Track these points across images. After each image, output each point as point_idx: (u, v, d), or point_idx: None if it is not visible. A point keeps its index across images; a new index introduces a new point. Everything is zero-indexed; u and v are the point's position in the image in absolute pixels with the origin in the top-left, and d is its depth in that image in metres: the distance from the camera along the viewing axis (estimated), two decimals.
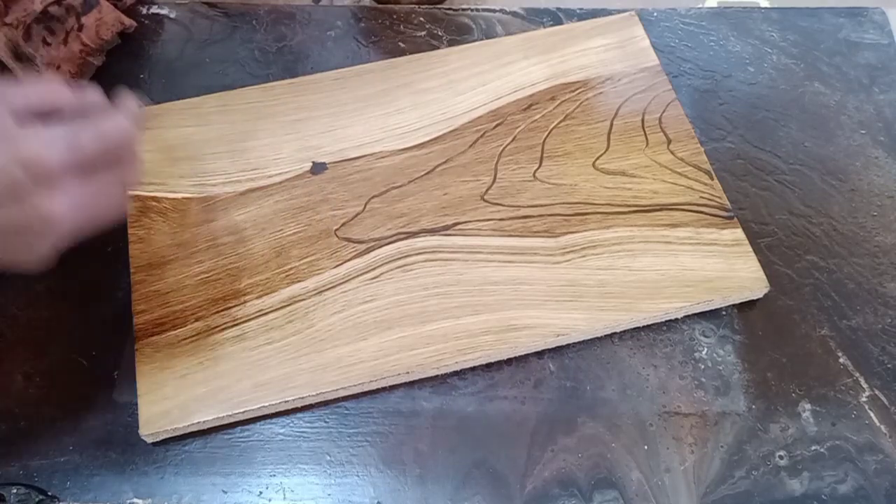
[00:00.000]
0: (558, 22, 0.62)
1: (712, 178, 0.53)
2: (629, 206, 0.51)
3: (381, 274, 0.49)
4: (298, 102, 0.56)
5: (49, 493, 0.44)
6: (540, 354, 0.48)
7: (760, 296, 0.50)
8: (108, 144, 0.37)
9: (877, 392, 0.48)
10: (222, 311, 0.48)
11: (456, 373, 0.48)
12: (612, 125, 0.55)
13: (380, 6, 0.63)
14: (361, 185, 0.52)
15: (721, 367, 0.48)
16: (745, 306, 0.50)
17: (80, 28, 0.57)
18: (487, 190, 0.52)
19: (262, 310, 0.48)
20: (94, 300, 0.50)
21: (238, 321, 0.47)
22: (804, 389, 0.48)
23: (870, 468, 0.45)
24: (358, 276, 0.49)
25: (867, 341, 0.49)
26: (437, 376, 0.47)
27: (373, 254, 0.50)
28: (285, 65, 0.60)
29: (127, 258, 0.49)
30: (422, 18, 0.63)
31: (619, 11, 0.61)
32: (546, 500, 0.44)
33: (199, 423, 0.45)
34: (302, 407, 0.46)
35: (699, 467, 0.45)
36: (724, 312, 0.50)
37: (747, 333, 0.49)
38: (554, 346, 0.48)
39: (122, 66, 0.60)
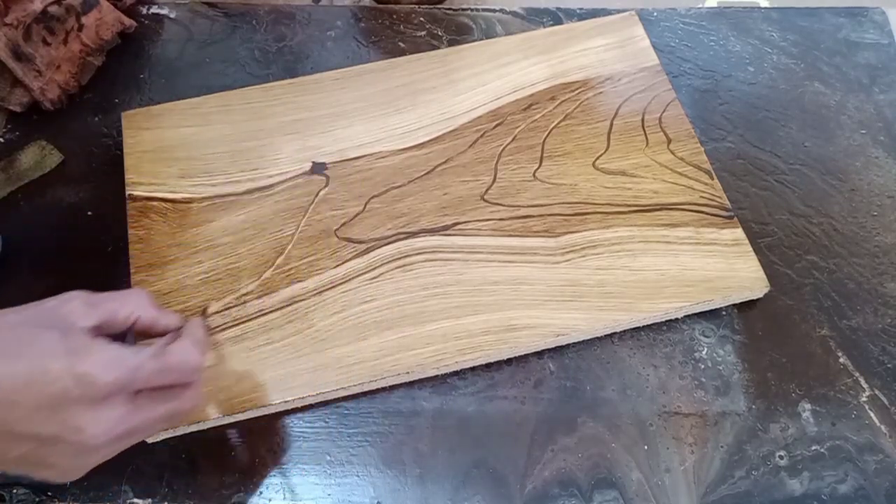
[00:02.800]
0: (558, 22, 0.62)
1: (712, 178, 0.53)
2: (629, 205, 0.51)
3: (381, 274, 0.49)
4: (298, 102, 0.56)
5: (49, 493, 0.44)
6: (540, 354, 0.48)
7: (760, 296, 0.50)
8: (169, 378, 0.36)
9: (877, 392, 0.48)
10: (222, 311, 0.48)
11: (456, 373, 0.48)
12: (612, 125, 0.55)
13: (380, 6, 0.63)
14: (361, 185, 0.52)
15: (721, 367, 0.48)
16: (745, 306, 0.50)
17: (80, 28, 0.57)
18: (487, 190, 0.52)
19: (262, 310, 0.48)
20: None
21: (238, 321, 0.47)
22: (804, 389, 0.48)
23: (870, 468, 0.45)
24: (358, 276, 0.49)
25: (867, 341, 0.49)
26: (437, 376, 0.47)
27: (373, 254, 0.50)
28: (285, 65, 0.60)
29: (127, 258, 0.49)
30: (422, 18, 0.63)
31: (619, 11, 0.61)
32: (546, 500, 0.44)
33: (199, 422, 0.45)
34: (302, 407, 0.46)
35: (699, 467, 0.45)
36: (724, 312, 0.50)
37: (747, 333, 0.49)
38: (554, 346, 0.48)
39: (122, 66, 0.60)
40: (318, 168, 0.53)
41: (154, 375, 0.35)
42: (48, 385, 0.32)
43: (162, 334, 0.40)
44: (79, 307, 0.36)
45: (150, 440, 0.45)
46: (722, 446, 0.46)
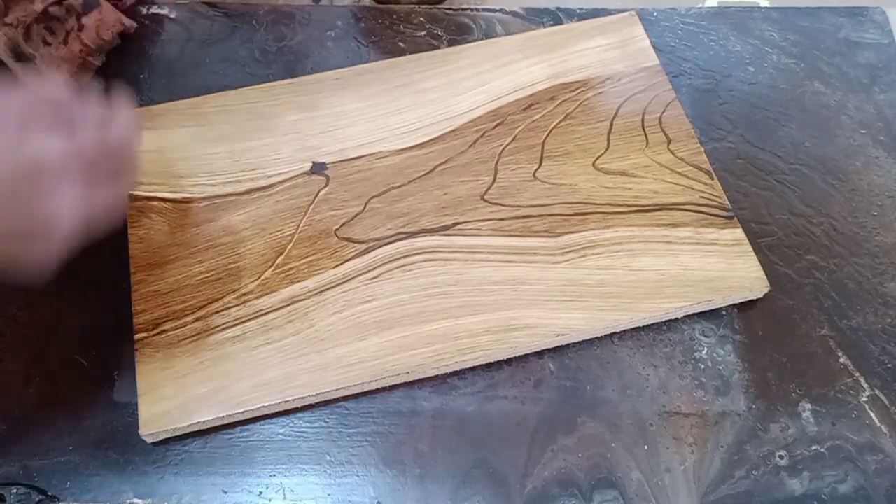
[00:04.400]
0: (558, 22, 0.62)
1: (712, 178, 0.53)
2: (629, 205, 0.51)
3: (381, 274, 0.49)
4: (298, 102, 0.56)
5: (49, 493, 0.44)
6: (540, 354, 0.48)
7: (760, 296, 0.50)
8: (107, 148, 0.38)
9: (877, 392, 0.48)
10: (222, 311, 0.48)
11: (456, 373, 0.48)
12: (612, 125, 0.55)
13: (380, 6, 0.63)
14: (361, 185, 0.52)
15: (721, 367, 0.48)
16: (745, 306, 0.50)
17: (81, 28, 0.57)
18: (487, 190, 0.52)
19: (262, 310, 0.48)
20: (94, 300, 0.50)
21: (238, 321, 0.47)
22: (804, 389, 0.48)
23: (870, 468, 0.45)
24: (358, 276, 0.49)
25: (867, 341, 0.49)
26: (437, 376, 0.47)
27: (373, 254, 0.50)
28: (285, 65, 0.60)
29: (127, 258, 0.49)
30: (422, 18, 0.63)
31: (619, 11, 0.61)
32: (546, 500, 0.44)
33: (199, 423, 0.45)
34: (302, 407, 0.46)
35: (699, 467, 0.45)
36: (724, 312, 0.50)
37: (747, 333, 0.49)
38: (554, 346, 0.48)
39: (122, 66, 0.60)
40: (318, 168, 0.53)
41: (93, 147, 0.37)
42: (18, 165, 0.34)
43: None
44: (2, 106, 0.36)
45: (150, 440, 0.45)
46: (722, 446, 0.46)
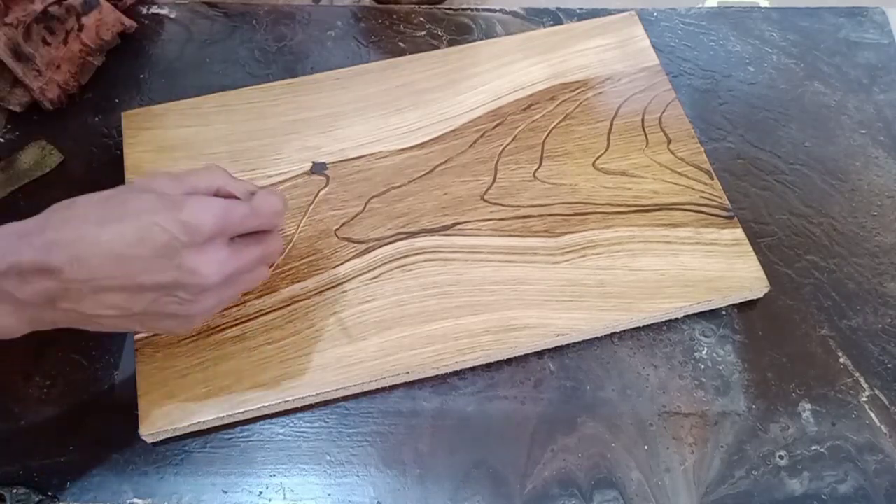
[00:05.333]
0: (558, 22, 0.62)
1: (712, 178, 0.53)
2: (629, 205, 0.51)
3: (381, 274, 0.49)
4: (298, 102, 0.56)
5: (49, 493, 0.44)
6: (540, 354, 0.48)
7: (760, 296, 0.50)
8: (257, 220, 0.40)
9: (877, 392, 0.48)
10: (222, 311, 0.48)
11: (456, 373, 0.48)
12: (612, 125, 0.55)
13: (380, 6, 0.63)
14: (361, 185, 0.52)
15: (721, 367, 0.48)
16: (745, 306, 0.50)
17: (81, 28, 0.57)
18: (487, 190, 0.52)
19: (262, 310, 0.48)
20: None
21: (238, 321, 0.47)
22: (804, 389, 0.48)
23: (870, 468, 0.45)
24: (358, 276, 0.49)
25: (867, 341, 0.49)
26: (437, 376, 0.47)
27: (373, 254, 0.50)
28: (285, 65, 0.60)
29: None
30: (422, 18, 0.63)
31: (619, 11, 0.61)
32: (546, 500, 0.44)
33: (199, 423, 0.45)
34: (302, 407, 0.46)
35: (699, 467, 0.45)
36: (724, 312, 0.50)
37: (747, 333, 0.49)
38: (554, 346, 0.48)
39: (122, 66, 0.60)
40: (318, 168, 0.53)
41: (244, 218, 0.39)
42: (158, 236, 0.36)
43: None
44: (164, 180, 0.39)
45: (150, 440, 0.45)
46: (722, 446, 0.46)
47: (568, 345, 0.48)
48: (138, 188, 0.39)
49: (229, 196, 0.40)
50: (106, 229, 0.36)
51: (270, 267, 0.47)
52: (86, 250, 0.36)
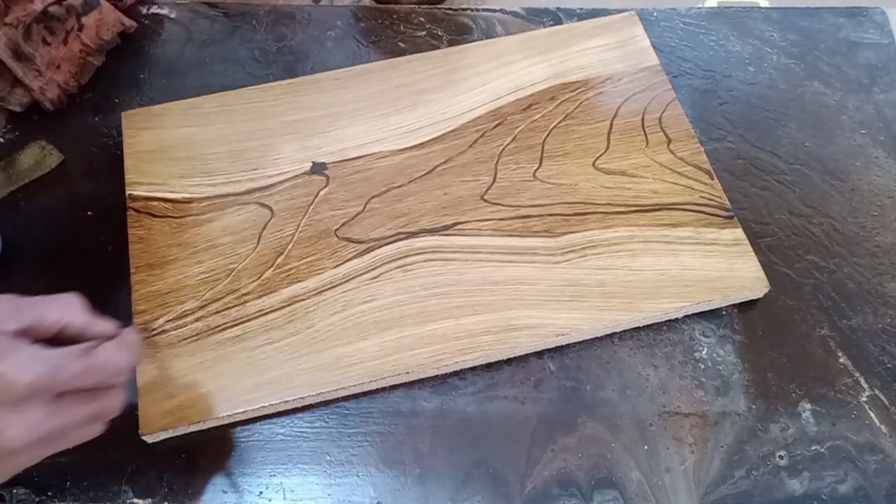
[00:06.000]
0: (558, 22, 0.62)
1: (712, 178, 0.53)
2: (629, 205, 0.51)
3: (381, 274, 0.49)
4: (298, 102, 0.56)
5: (49, 493, 0.44)
6: (540, 354, 0.48)
7: (760, 296, 0.50)
8: (93, 378, 0.36)
9: (877, 392, 0.48)
10: (222, 311, 0.48)
11: (456, 373, 0.48)
12: (612, 125, 0.55)
13: (380, 6, 0.63)
14: (361, 185, 0.52)
15: (721, 367, 0.48)
16: (745, 306, 0.50)
17: (81, 28, 0.57)
18: (487, 190, 0.52)
19: (262, 310, 0.48)
20: (94, 300, 0.50)
21: (238, 321, 0.47)
22: (804, 389, 0.48)
23: (870, 468, 0.45)
24: (358, 276, 0.49)
25: (867, 341, 0.49)
26: (437, 376, 0.47)
27: (373, 254, 0.50)
28: (285, 65, 0.60)
29: (127, 258, 0.49)
30: (422, 18, 0.63)
31: (619, 11, 0.61)
32: (546, 500, 0.44)
33: (199, 422, 0.45)
34: (302, 407, 0.46)
35: (699, 467, 0.45)
36: (724, 312, 0.50)
37: (747, 333, 0.49)
38: (554, 346, 0.48)
39: (122, 66, 0.60)
40: (318, 168, 0.53)
41: (77, 376, 0.35)
42: None
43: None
44: (3, 310, 0.35)
45: (149, 440, 0.45)
46: (722, 446, 0.46)
47: (568, 345, 0.48)
48: None
49: (76, 338, 0.37)
50: None
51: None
52: None
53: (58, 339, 0.37)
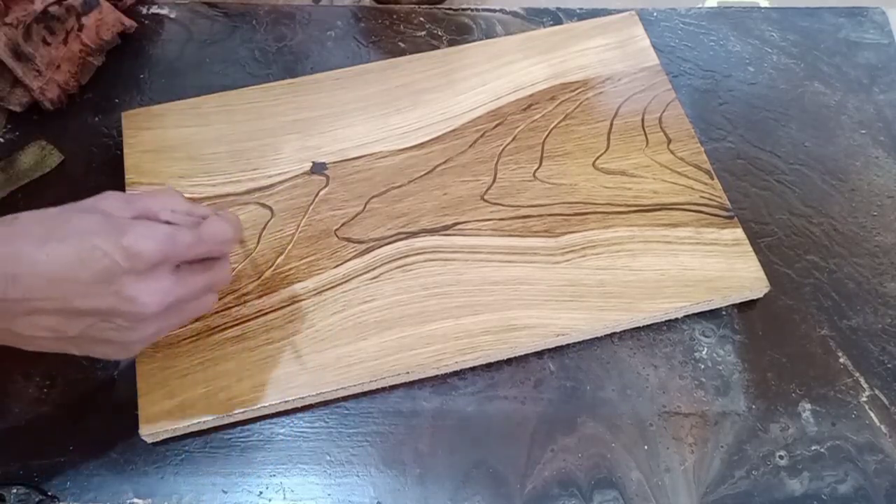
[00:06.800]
0: (558, 22, 0.62)
1: (712, 178, 0.53)
2: (629, 205, 0.51)
3: (381, 274, 0.49)
4: (298, 102, 0.56)
5: (49, 493, 0.44)
6: (540, 354, 0.48)
7: (760, 296, 0.50)
8: (204, 247, 0.39)
9: (877, 392, 0.48)
10: (222, 311, 0.48)
11: (456, 373, 0.48)
12: (612, 125, 0.55)
13: (380, 6, 0.63)
14: (361, 185, 0.52)
15: (721, 367, 0.48)
16: (745, 306, 0.50)
17: (81, 28, 0.57)
18: (487, 190, 0.52)
19: (262, 310, 0.48)
20: None
21: (238, 321, 0.47)
22: (804, 389, 0.48)
23: (870, 468, 0.45)
24: (358, 276, 0.49)
25: (867, 341, 0.49)
26: (437, 376, 0.47)
27: (373, 254, 0.50)
28: (285, 65, 0.60)
29: None
30: (422, 18, 0.63)
31: (619, 11, 0.61)
32: (546, 500, 0.44)
33: (199, 423, 0.45)
34: (302, 407, 0.46)
35: (699, 467, 0.45)
36: (724, 312, 0.50)
37: (747, 333, 0.49)
38: (554, 346, 0.48)
39: (122, 66, 0.60)
40: (318, 168, 0.53)
41: (190, 246, 0.38)
42: (98, 260, 0.35)
43: None
44: (115, 201, 0.38)
45: (150, 440, 0.45)
46: (722, 446, 0.46)
47: (568, 345, 0.48)
48: (85, 208, 0.38)
49: (186, 217, 0.39)
50: (45, 248, 0.35)
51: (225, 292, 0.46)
52: (22, 269, 0.34)
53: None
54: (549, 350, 0.48)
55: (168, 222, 0.39)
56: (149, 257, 0.36)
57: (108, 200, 0.38)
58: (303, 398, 0.45)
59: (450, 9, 0.63)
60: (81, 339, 0.37)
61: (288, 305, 0.48)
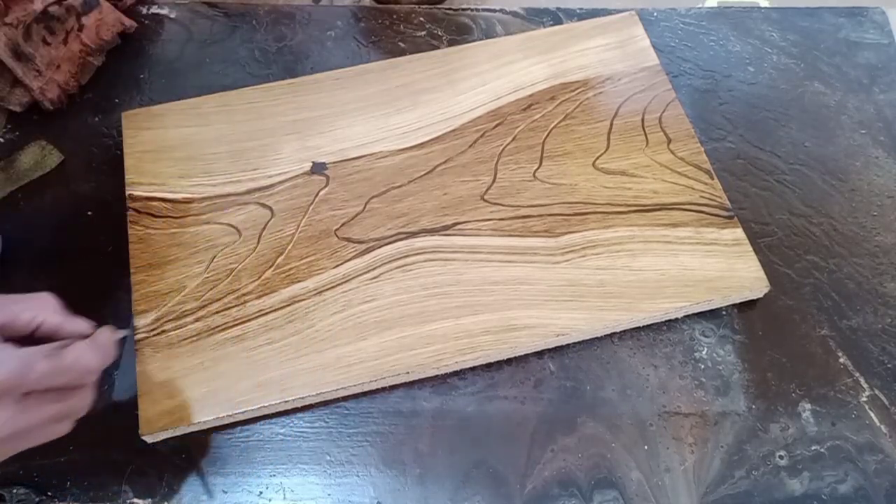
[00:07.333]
0: (558, 22, 0.62)
1: (712, 178, 0.53)
2: (629, 205, 0.51)
3: (381, 274, 0.49)
4: (298, 102, 0.56)
5: (49, 493, 0.44)
6: (540, 354, 0.48)
7: (760, 296, 0.50)
8: (62, 378, 0.36)
9: (877, 392, 0.48)
10: (222, 311, 0.48)
11: (456, 373, 0.48)
12: (612, 125, 0.55)
13: (380, 6, 0.63)
14: (361, 185, 0.52)
15: (721, 367, 0.48)
16: (745, 306, 0.50)
17: (81, 28, 0.57)
18: (487, 190, 0.52)
19: (262, 310, 0.48)
20: (94, 300, 0.50)
21: (238, 321, 0.47)
22: (804, 389, 0.48)
23: (870, 468, 0.45)
24: (358, 276, 0.49)
25: (867, 341, 0.49)
26: (437, 376, 0.47)
27: (373, 254, 0.50)
28: (285, 65, 0.60)
29: (127, 258, 0.49)
30: (422, 18, 0.63)
31: (619, 11, 0.61)
32: (546, 500, 0.44)
33: (199, 423, 0.45)
34: (302, 407, 0.46)
35: (699, 467, 0.45)
36: (724, 312, 0.50)
37: (747, 333, 0.49)
38: (554, 346, 0.48)
39: (122, 66, 0.60)
40: (318, 168, 0.53)
41: (45, 376, 0.35)
42: None
43: None
44: None
45: (149, 440, 0.45)
46: (722, 446, 0.46)
47: (568, 345, 0.48)
48: None
49: (50, 337, 0.37)
50: None
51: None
52: None
53: (31, 339, 0.37)
54: (549, 350, 0.48)
55: (31, 338, 0.36)
56: None
57: None
58: (303, 398, 0.45)
59: (450, 9, 0.63)
60: None
61: (288, 305, 0.48)
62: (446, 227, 0.51)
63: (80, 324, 0.39)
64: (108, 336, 0.39)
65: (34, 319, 0.37)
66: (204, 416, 0.44)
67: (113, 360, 0.39)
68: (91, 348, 0.37)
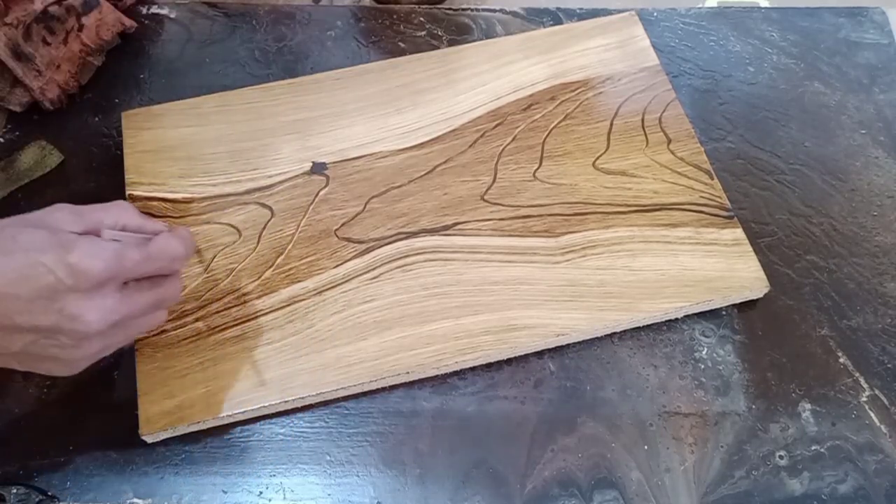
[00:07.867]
0: (558, 22, 0.62)
1: (712, 178, 0.53)
2: (629, 205, 0.51)
3: (381, 274, 0.49)
4: (298, 102, 0.56)
5: (49, 493, 0.44)
6: (540, 354, 0.48)
7: (760, 296, 0.50)
8: (152, 265, 0.39)
9: (877, 392, 0.48)
10: (222, 311, 0.48)
11: (456, 373, 0.48)
12: (612, 125, 0.55)
13: (380, 6, 0.63)
14: (361, 185, 0.52)
15: (721, 367, 0.48)
16: (745, 306, 0.50)
17: (81, 28, 0.57)
18: (487, 190, 0.52)
19: (262, 310, 0.48)
20: None
21: (238, 321, 0.47)
22: (804, 389, 0.48)
23: (870, 468, 0.45)
24: (358, 276, 0.49)
25: (867, 341, 0.49)
26: (437, 376, 0.47)
27: (373, 254, 0.50)
28: (285, 65, 0.60)
29: None
30: (422, 18, 0.63)
31: (619, 11, 0.61)
32: (546, 500, 0.44)
33: (199, 422, 0.45)
34: (302, 407, 0.46)
35: (699, 467, 0.45)
36: (724, 312, 0.50)
37: (747, 333, 0.49)
38: (554, 346, 0.48)
39: (122, 66, 0.60)
40: (318, 168, 0.53)
41: (138, 264, 0.38)
42: (42, 277, 0.34)
43: None
44: (65, 215, 0.38)
45: (149, 440, 0.45)
46: (722, 446, 0.46)
47: (568, 345, 0.48)
48: (33, 222, 0.37)
49: (136, 232, 0.39)
50: None
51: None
52: None
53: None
54: (549, 350, 0.48)
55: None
56: (94, 276, 0.35)
57: (57, 214, 0.38)
58: (303, 398, 0.45)
59: (450, 9, 0.63)
60: (24, 355, 0.37)
61: (288, 305, 0.48)
62: (446, 227, 0.51)
63: (158, 224, 0.42)
64: (186, 230, 0.42)
65: (118, 222, 0.39)
66: (204, 416, 0.44)
67: (194, 249, 0.42)
68: (174, 237, 0.40)
